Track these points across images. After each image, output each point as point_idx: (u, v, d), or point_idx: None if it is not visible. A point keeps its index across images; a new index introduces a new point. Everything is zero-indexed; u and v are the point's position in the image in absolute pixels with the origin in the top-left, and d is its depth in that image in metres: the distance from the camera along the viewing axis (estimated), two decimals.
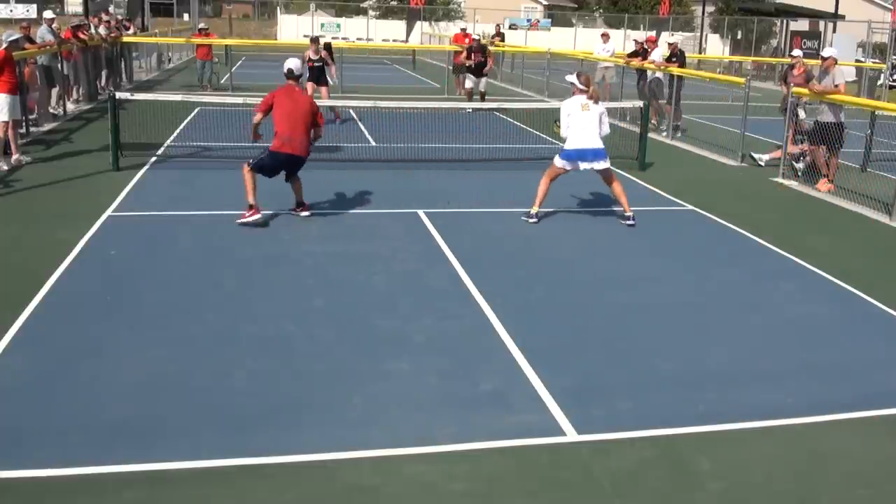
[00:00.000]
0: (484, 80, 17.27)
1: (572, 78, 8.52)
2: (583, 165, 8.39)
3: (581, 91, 8.38)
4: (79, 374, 4.84)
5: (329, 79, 15.17)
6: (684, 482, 4.00)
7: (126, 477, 3.83)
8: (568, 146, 8.39)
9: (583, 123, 8.31)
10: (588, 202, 9.61)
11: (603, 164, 8.42)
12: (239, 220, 7.92)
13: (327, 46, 15.51)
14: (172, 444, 4.11)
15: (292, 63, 8.29)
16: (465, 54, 17.48)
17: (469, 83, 17.21)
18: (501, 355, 5.33)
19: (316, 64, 14.50)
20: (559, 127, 8.49)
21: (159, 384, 4.75)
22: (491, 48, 18.88)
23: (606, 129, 8.53)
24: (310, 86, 14.42)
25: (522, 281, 6.81)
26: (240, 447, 4.10)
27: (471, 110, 15.34)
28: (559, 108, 8.62)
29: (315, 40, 14.86)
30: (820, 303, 6.69)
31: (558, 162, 8.46)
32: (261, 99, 8.33)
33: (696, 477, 4.05)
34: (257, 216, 7.95)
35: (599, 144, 8.40)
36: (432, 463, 4.07)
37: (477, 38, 17.72)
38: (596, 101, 8.44)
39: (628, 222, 8.58)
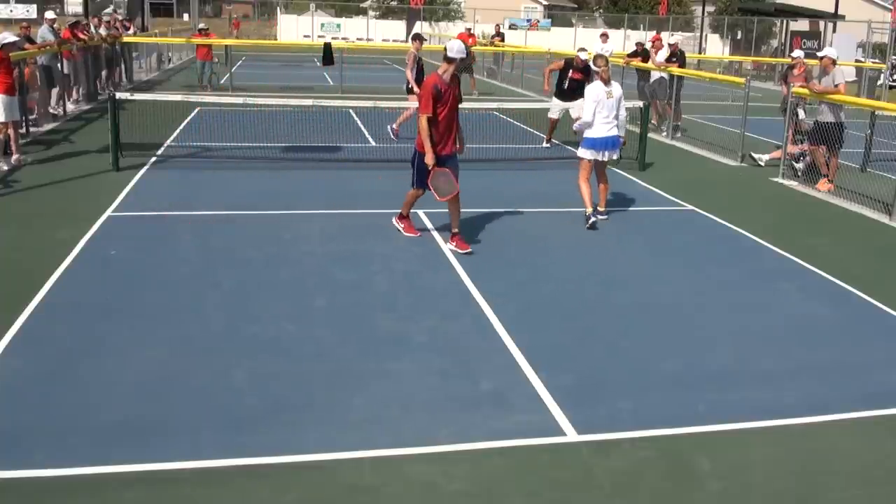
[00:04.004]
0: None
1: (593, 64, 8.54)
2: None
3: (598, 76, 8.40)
4: (79, 374, 4.84)
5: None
6: (684, 482, 4.00)
7: (126, 477, 3.83)
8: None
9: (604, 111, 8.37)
10: None
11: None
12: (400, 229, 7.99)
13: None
14: (172, 444, 4.11)
15: (452, 45, 7.38)
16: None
17: None
18: (501, 355, 5.33)
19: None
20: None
21: (159, 384, 4.75)
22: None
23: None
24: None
25: (523, 281, 6.81)
26: (240, 447, 4.10)
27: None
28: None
29: (418, 38, 13.60)
30: (820, 303, 6.68)
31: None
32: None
33: (696, 477, 4.06)
34: (401, 225, 7.95)
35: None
36: (432, 463, 4.07)
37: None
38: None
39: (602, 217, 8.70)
